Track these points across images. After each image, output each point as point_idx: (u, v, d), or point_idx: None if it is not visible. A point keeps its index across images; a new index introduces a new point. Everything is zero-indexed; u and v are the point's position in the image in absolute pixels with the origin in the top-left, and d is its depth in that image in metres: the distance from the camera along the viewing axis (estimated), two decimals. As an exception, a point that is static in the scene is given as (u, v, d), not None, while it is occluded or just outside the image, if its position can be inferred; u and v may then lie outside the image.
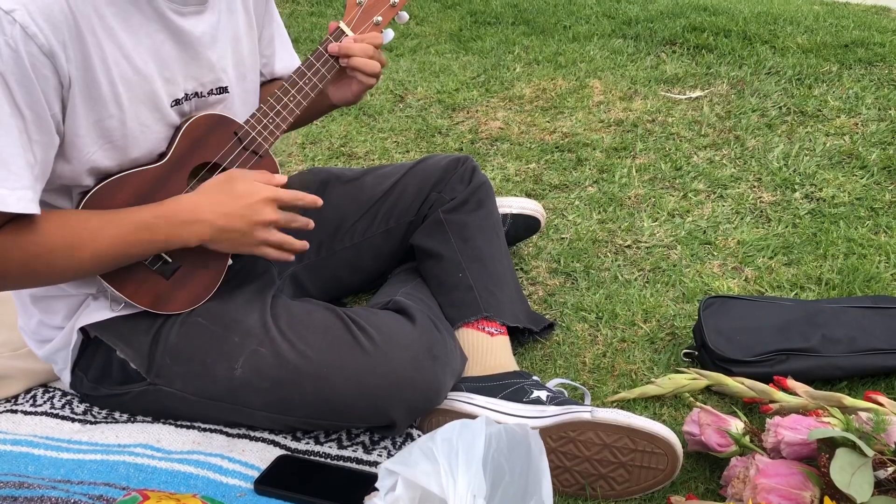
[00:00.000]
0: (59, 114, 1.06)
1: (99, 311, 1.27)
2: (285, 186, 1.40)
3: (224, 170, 1.27)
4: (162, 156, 1.23)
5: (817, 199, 1.97)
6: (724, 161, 2.19)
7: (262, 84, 1.46)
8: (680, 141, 2.32)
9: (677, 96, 2.63)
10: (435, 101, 2.75)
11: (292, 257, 1.27)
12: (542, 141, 2.40)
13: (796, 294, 1.61)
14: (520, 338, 1.51)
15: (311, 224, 1.28)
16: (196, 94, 1.22)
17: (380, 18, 1.37)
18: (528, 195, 2.10)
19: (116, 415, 1.37)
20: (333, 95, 1.37)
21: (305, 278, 1.54)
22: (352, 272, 1.58)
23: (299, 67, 1.32)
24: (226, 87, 1.26)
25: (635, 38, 3.17)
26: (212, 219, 1.16)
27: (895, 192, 1.97)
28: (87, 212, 1.13)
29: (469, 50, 3.25)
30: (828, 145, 2.21)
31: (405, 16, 1.40)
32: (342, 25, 1.34)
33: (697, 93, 2.64)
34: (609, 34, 3.24)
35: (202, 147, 1.26)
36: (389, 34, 1.39)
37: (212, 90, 1.24)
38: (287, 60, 1.49)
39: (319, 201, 1.26)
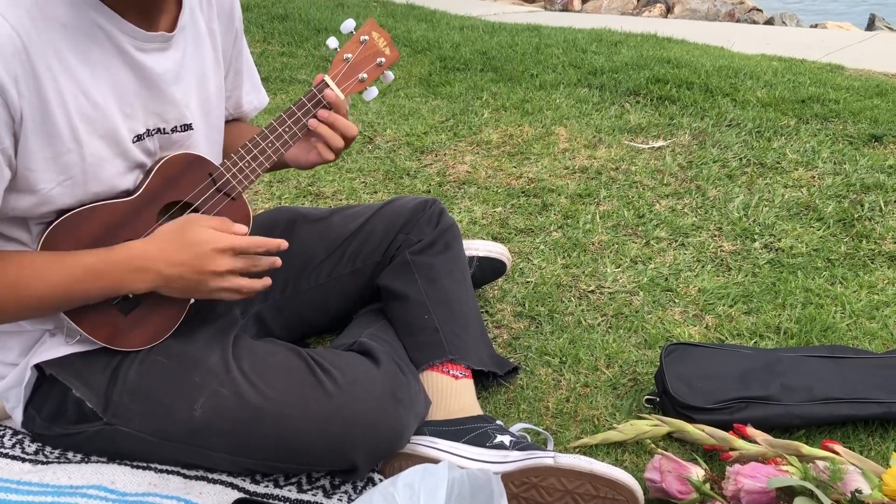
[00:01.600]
0: (9, 148, 1.05)
1: (55, 348, 1.24)
2: (253, 224, 1.40)
3: (196, 210, 1.27)
4: (129, 192, 1.22)
5: (776, 250, 2.01)
6: (685, 210, 2.23)
7: (227, 121, 1.46)
8: (643, 189, 2.37)
9: (640, 146, 2.69)
10: (404, 143, 2.78)
11: (255, 296, 1.26)
12: (509, 185, 2.43)
13: (756, 342, 1.64)
14: (484, 381, 1.51)
15: (278, 262, 1.28)
16: (159, 129, 1.22)
17: (365, 76, 1.38)
18: (495, 238, 2.12)
19: (70, 455, 1.34)
20: (289, 155, 1.37)
21: (269, 317, 1.53)
22: (317, 312, 1.57)
23: (280, 115, 1.33)
24: (190, 123, 1.26)
25: (600, 87, 3.24)
26: (159, 268, 1.15)
27: (850, 244, 2.03)
28: (35, 253, 1.12)
29: (438, 94, 3.29)
30: (786, 197, 2.27)
31: (390, 76, 1.41)
32: (328, 79, 1.35)
33: (660, 143, 2.70)
34: (575, 83, 3.31)
35: (175, 186, 1.26)
36: (373, 92, 1.41)
37: (175, 127, 1.24)
38: (255, 98, 1.49)
39: (284, 244, 1.25)
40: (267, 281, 1.26)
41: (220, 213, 1.31)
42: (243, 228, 1.23)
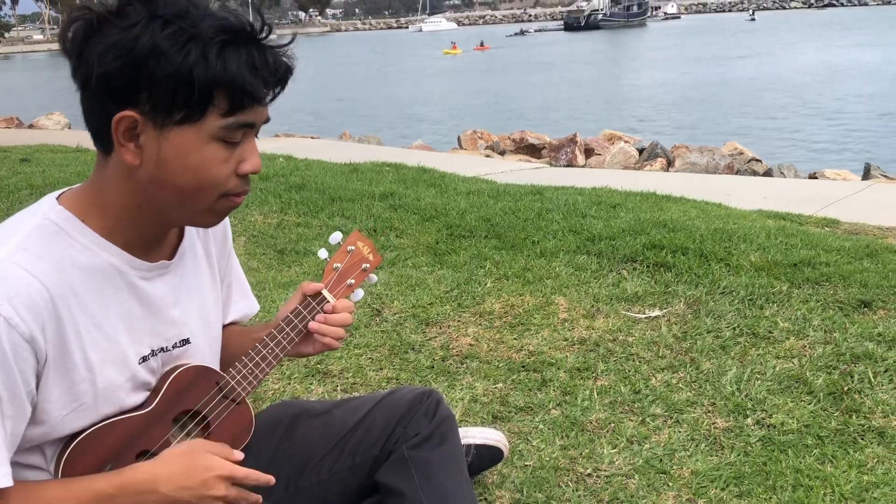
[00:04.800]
0: (34, 389, 1.16)
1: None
2: (259, 420, 1.50)
3: (203, 417, 1.37)
4: (142, 405, 1.33)
5: (767, 426, 2.07)
6: (680, 384, 2.30)
7: (224, 326, 1.58)
8: (639, 362, 2.45)
9: (637, 315, 2.80)
10: (410, 315, 2.90)
11: None
12: (510, 359, 2.52)
13: (747, 530, 1.67)
14: (480, 575, 1.55)
15: (260, 500, 1.36)
16: (161, 349, 1.34)
17: (352, 281, 1.53)
18: (495, 417, 2.19)
19: None
20: (292, 351, 1.49)
21: (273, 514, 1.59)
22: (318, 508, 1.63)
23: (279, 323, 1.47)
24: (187, 339, 1.39)
25: (598, 255, 3.39)
26: (166, 491, 1.24)
27: (839, 418, 2.08)
28: (49, 482, 1.21)
29: (444, 264, 3.45)
30: (777, 369, 2.35)
31: (374, 278, 1.56)
32: (325, 292, 1.50)
33: (656, 312, 2.81)
34: (574, 250, 3.47)
35: (185, 396, 1.37)
36: (359, 293, 1.55)
37: (175, 343, 1.36)
38: (245, 307, 1.62)
39: (272, 481, 1.34)
40: (258, 500, 1.34)
41: (226, 418, 1.41)
42: (240, 455, 1.33)
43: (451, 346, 2.64)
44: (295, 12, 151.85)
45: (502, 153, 9.34)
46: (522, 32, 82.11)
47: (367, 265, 1.57)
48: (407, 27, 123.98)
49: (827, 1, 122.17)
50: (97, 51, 1.09)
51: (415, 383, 2.41)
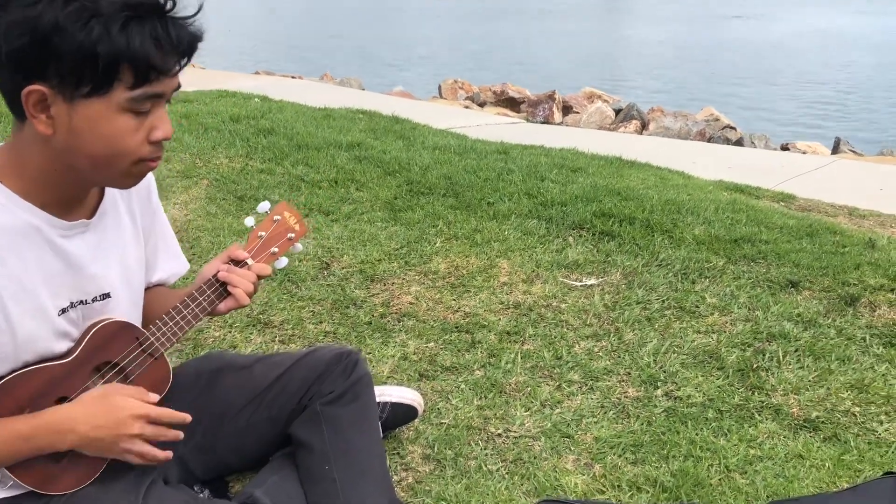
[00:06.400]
0: None
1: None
2: (182, 371, 1.60)
3: (123, 368, 1.47)
4: (60, 356, 1.42)
5: (675, 398, 2.20)
6: (600, 353, 2.42)
7: (147, 288, 1.66)
8: (566, 329, 2.56)
9: (573, 283, 2.90)
10: (357, 270, 2.99)
11: (155, 464, 1.45)
12: (445, 319, 2.63)
13: (632, 495, 1.80)
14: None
15: (181, 436, 1.46)
16: (81, 301, 1.42)
17: (276, 249, 1.62)
18: (422, 376, 2.30)
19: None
20: (213, 308, 1.58)
21: (191, 459, 1.70)
22: (236, 455, 1.74)
23: (200, 284, 1.55)
24: (108, 293, 1.47)
25: (548, 220, 3.48)
26: (84, 430, 1.34)
27: (743, 394, 2.21)
28: None
29: (399, 220, 3.53)
30: (695, 343, 2.47)
31: (299, 247, 1.65)
32: (248, 260, 1.58)
33: (592, 280, 2.92)
34: (526, 214, 3.55)
35: (106, 348, 1.46)
36: (283, 262, 1.64)
37: (95, 297, 1.45)
38: (171, 267, 1.70)
39: (188, 419, 1.44)
40: (168, 454, 1.44)
41: (144, 371, 1.51)
42: (155, 397, 1.43)
43: (391, 304, 2.74)
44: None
45: (482, 105, 9.34)
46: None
47: (293, 234, 1.65)
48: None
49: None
50: (2, 29, 1.14)
51: (351, 338, 2.51)
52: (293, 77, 10.45)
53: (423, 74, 17.33)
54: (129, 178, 1.35)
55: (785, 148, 7.47)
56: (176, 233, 3.51)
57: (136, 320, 1.55)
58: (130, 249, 1.54)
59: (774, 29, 29.85)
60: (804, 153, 7.02)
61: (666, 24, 32.28)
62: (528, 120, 8.00)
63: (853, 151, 7.24)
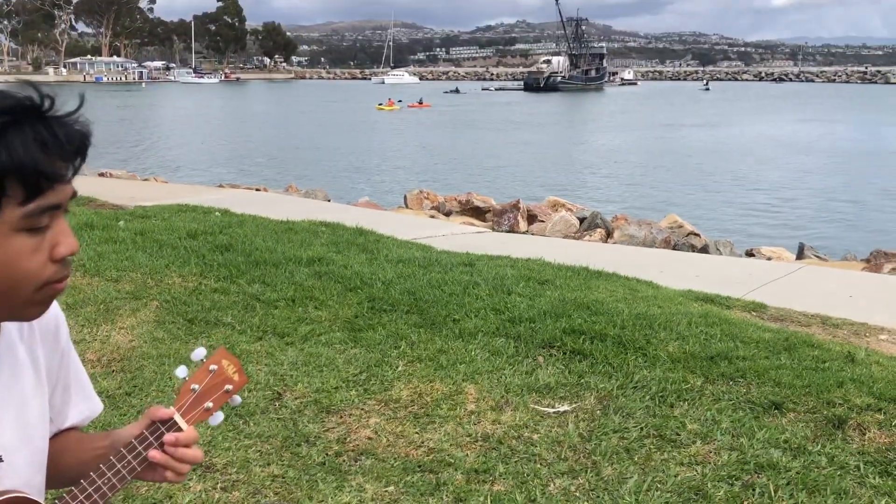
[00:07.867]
0: None
1: None
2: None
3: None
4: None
5: (661, 545, 1.98)
6: (577, 493, 2.21)
7: (56, 435, 1.44)
8: (540, 465, 2.35)
9: (546, 409, 2.71)
10: (312, 401, 2.77)
11: None
12: (407, 457, 2.40)
13: None
14: None
15: None
16: None
17: (211, 404, 1.40)
18: (380, 525, 2.06)
19: None
20: (136, 476, 1.36)
21: None
22: None
23: (119, 449, 1.33)
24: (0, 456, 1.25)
25: (517, 338, 3.31)
26: None
27: (737, 539, 2.00)
28: None
29: (359, 341, 3.33)
30: (679, 478, 2.26)
31: (238, 399, 1.43)
32: (176, 417, 1.37)
33: (565, 407, 2.72)
34: (493, 332, 3.38)
35: None
36: (219, 417, 1.42)
37: None
38: (86, 409, 1.48)
39: None
40: None
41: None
42: None
43: (348, 440, 2.51)
44: (260, 57, 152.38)
45: (448, 214, 9.32)
46: (483, 89, 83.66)
47: (231, 386, 1.44)
48: (370, 78, 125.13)
49: (776, 76, 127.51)
50: None
51: (301, 482, 2.27)
52: (257, 189, 10.41)
53: (390, 185, 17.48)
54: (33, 306, 1.16)
55: (750, 254, 7.48)
56: (118, 361, 3.29)
57: (39, 487, 1.32)
58: (31, 401, 1.33)
59: (725, 134, 30.98)
60: (769, 259, 7.01)
61: (622, 133, 33.36)
62: (493, 229, 7.95)
63: (818, 256, 7.27)
